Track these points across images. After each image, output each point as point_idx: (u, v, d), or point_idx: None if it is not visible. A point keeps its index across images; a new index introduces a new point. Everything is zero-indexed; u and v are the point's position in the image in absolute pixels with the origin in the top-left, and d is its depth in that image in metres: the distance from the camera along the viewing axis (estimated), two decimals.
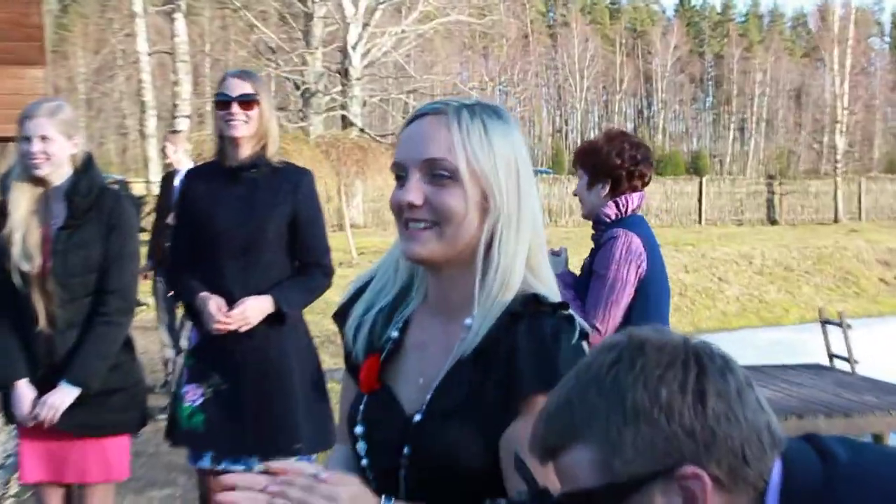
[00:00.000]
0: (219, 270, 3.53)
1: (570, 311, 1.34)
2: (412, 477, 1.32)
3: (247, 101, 3.46)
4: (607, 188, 3.19)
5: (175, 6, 22.46)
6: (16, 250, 3.29)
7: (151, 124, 23.34)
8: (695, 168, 47.98)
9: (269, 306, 3.44)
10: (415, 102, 29.28)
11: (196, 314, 3.52)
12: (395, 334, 1.42)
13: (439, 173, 1.30)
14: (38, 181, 3.30)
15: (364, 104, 28.13)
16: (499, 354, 1.32)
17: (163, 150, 7.42)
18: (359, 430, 1.42)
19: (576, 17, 64.63)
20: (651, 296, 3.13)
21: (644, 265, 3.09)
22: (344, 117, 25.92)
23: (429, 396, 1.34)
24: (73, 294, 3.39)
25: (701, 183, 29.68)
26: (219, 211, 3.56)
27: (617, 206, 3.18)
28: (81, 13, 40.17)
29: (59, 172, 3.33)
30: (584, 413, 1.00)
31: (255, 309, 3.41)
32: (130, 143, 43.54)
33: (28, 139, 3.26)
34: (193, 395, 3.61)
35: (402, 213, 1.34)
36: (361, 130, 24.35)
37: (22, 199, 3.34)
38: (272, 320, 3.48)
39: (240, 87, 3.50)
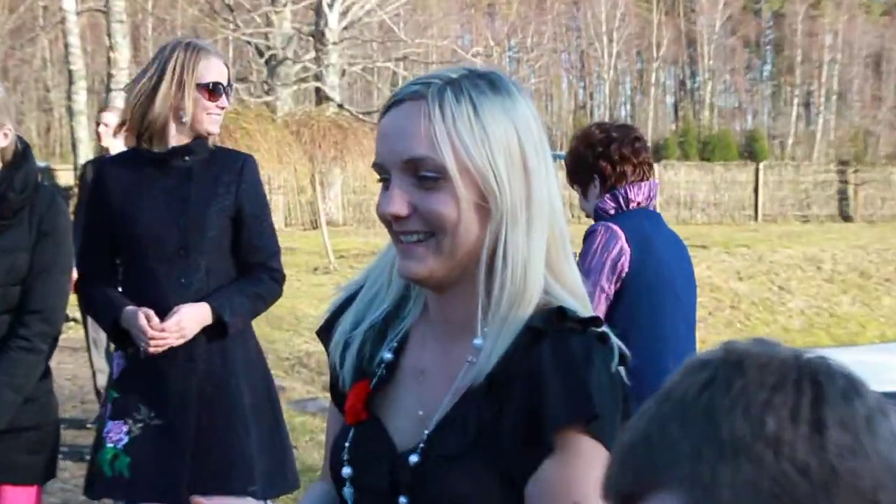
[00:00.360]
0: (147, 279, 3.61)
1: (604, 328, 1.34)
2: None
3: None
4: (597, 186, 3.46)
5: None
6: None
7: (81, 99, 23.41)
8: (749, 152, 48.03)
9: (208, 315, 3.51)
10: (405, 73, 29.72)
11: (120, 334, 3.59)
12: (388, 356, 1.44)
13: (424, 174, 1.31)
14: None
15: (343, 74, 28.45)
16: (517, 381, 1.32)
17: (96, 131, 7.52)
18: (346, 471, 1.42)
19: None
20: (640, 297, 3.33)
21: (626, 261, 3.30)
22: (318, 90, 26.22)
23: (427, 433, 1.35)
24: None
25: (757, 170, 29.86)
26: (145, 208, 3.62)
27: (616, 199, 3.42)
28: None
29: None
30: (668, 450, 0.95)
31: (191, 318, 3.48)
32: (55, 121, 44.71)
33: None
34: (117, 434, 3.64)
35: (391, 224, 1.34)
36: (340, 106, 24.58)
37: None
38: (213, 334, 3.57)
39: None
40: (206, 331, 3.58)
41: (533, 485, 1.29)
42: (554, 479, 1.26)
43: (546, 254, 1.35)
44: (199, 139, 3.64)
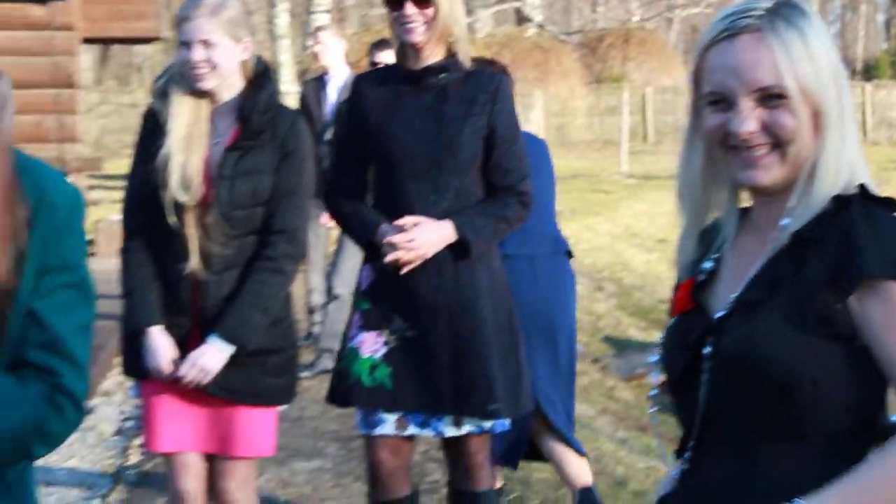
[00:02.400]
0: (399, 195, 3.69)
1: None
2: (715, 381, 1.57)
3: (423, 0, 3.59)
4: None
5: None
6: (174, 177, 3.47)
7: (283, 22, 23.98)
8: None
9: (451, 234, 3.58)
10: None
11: (370, 247, 3.68)
12: (709, 265, 1.74)
13: (770, 97, 1.57)
14: (202, 95, 3.49)
15: None
16: (826, 237, 1.56)
17: (312, 50, 7.89)
18: (662, 340, 1.78)
19: None
20: None
21: None
22: (518, 11, 26.56)
23: (734, 295, 1.62)
24: (236, 230, 3.55)
25: None
26: (399, 123, 3.71)
27: None
28: None
29: (226, 84, 3.50)
30: None
31: (430, 233, 3.57)
32: (257, 44, 47.17)
33: (187, 45, 3.41)
34: (374, 345, 3.77)
35: (728, 140, 1.61)
36: (541, 27, 24.80)
37: (182, 116, 3.51)
38: (458, 253, 3.65)
39: None
40: (451, 248, 3.65)
41: (870, 333, 1.52)
42: (878, 316, 1.51)
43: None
44: (453, 57, 3.68)
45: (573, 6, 36.60)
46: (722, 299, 1.70)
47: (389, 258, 3.65)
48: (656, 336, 12.41)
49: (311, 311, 8.26)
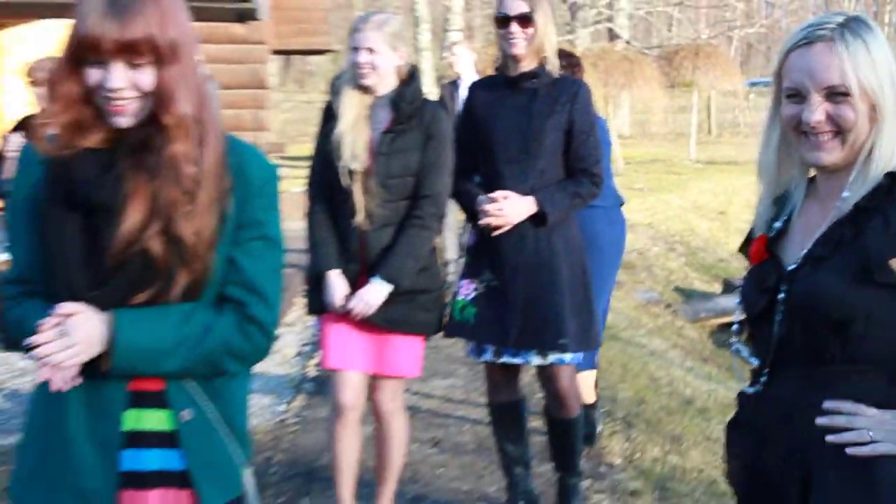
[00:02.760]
0: (497, 175, 3.63)
1: None
2: (787, 320, 1.57)
3: (524, 20, 3.52)
4: None
5: None
6: (346, 151, 3.45)
7: (425, 38, 24.41)
8: None
9: (533, 206, 3.52)
10: (679, 15, 28.82)
11: (473, 214, 3.65)
12: (778, 224, 1.72)
13: (836, 94, 1.56)
14: (365, 89, 3.45)
15: (630, 17, 27.63)
16: (883, 205, 1.57)
17: (448, 61, 7.83)
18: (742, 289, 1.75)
19: None
20: None
21: None
22: (610, 30, 25.68)
23: (804, 252, 1.62)
24: (392, 195, 3.50)
25: None
26: (499, 118, 3.66)
27: None
28: None
29: (384, 82, 3.45)
30: None
31: (516, 205, 3.51)
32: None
33: (356, 50, 3.41)
34: (466, 290, 3.73)
35: (800, 127, 1.61)
36: (627, 43, 23.92)
37: (350, 105, 3.49)
38: (538, 222, 3.58)
39: (517, 7, 3.56)
40: (533, 218, 3.60)
41: None
42: None
43: None
44: (542, 66, 3.61)
45: (653, 26, 35.44)
46: (792, 254, 1.67)
47: (482, 222, 3.61)
48: (716, 287, 12.16)
49: (445, 264, 8.16)
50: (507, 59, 3.65)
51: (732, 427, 1.80)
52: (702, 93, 22.10)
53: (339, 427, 3.68)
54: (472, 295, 3.75)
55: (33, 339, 1.66)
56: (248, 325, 1.85)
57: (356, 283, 3.51)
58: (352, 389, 3.64)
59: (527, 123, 3.65)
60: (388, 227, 3.50)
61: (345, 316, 3.55)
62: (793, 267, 1.63)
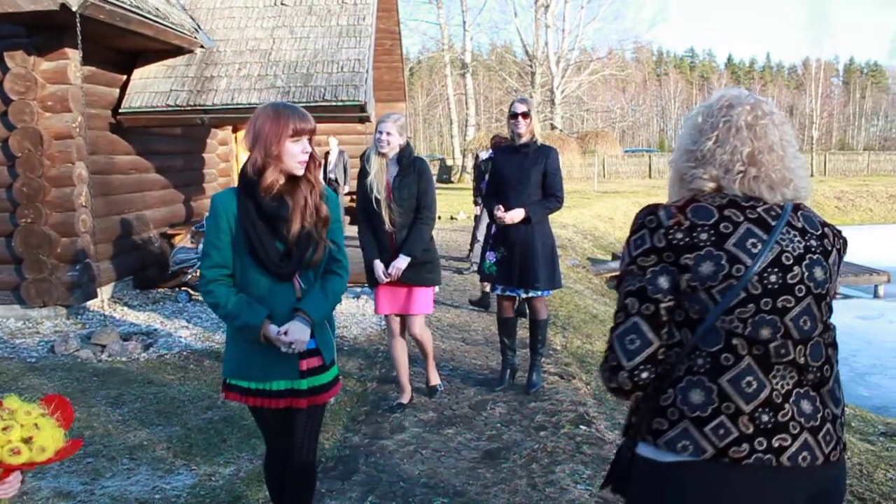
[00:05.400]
0: (506, 197, 4.84)
1: None
2: None
3: (525, 115, 4.76)
4: None
5: (465, 70, 38.77)
6: (375, 188, 4.37)
7: (455, 130, 40.58)
8: None
9: (523, 213, 4.73)
10: (587, 116, 46.13)
11: (492, 217, 4.87)
12: None
13: None
14: (383, 155, 4.39)
15: (561, 117, 39.50)
16: None
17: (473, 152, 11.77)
18: None
19: None
20: None
21: None
22: (552, 124, 34.94)
23: None
24: (404, 210, 4.38)
25: None
26: (508, 166, 4.83)
27: None
28: (419, 75, 66.44)
29: (393, 150, 4.37)
30: None
31: (514, 212, 4.73)
32: (445, 139, 63.46)
33: (380, 132, 4.34)
34: (491, 258, 4.97)
35: None
36: (560, 130, 34.63)
37: (375, 164, 4.42)
38: (526, 221, 4.75)
39: (522, 108, 4.76)
40: (524, 220, 4.77)
41: None
42: None
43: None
44: (533, 140, 4.77)
45: (573, 122, 50.56)
46: None
47: (498, 220, 4.68)
48: (608, 256, 16.00)
49: (471, 248, 10.33)
50: (514, 136, 4.78)
51: None
52: (599, 156, 34.24)
53: (392, 343, 4.88)
54: (493, 259, 4.95)
55: (287, 338, 2.59)
56: (342, 271, 2.67)
57: (389, 264, 4.50)
58: (396, 324, 4.76)
59: (523, 170, 4.70)
60: (404, 228, 4.40)
61: (385, 285, 4.55)
62: None
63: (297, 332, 2.58)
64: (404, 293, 4.56)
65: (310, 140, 2.58)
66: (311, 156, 2.61)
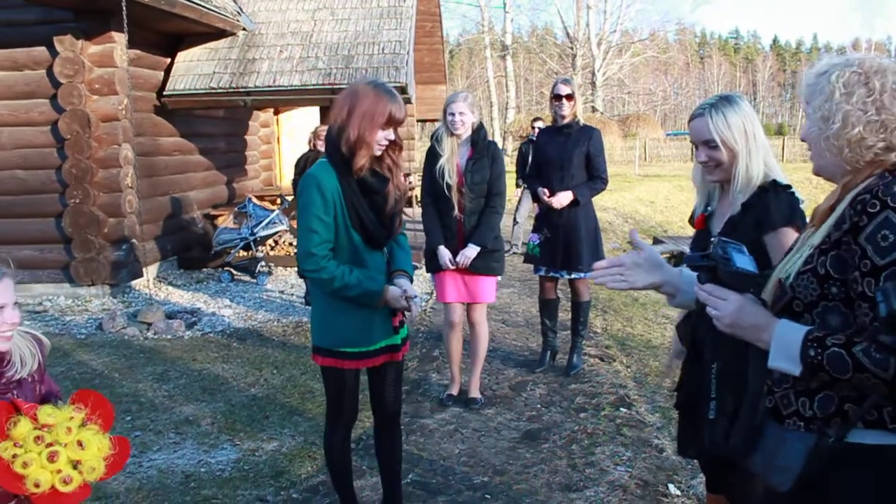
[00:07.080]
0: (549, 179, 4.97)
1: (793, 189, 2.20)
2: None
3: (568, 97, 4.89)
4: None
5: (505, 53, 38.59)
6: (447, 172, 4.35)
7: (495, 113, 40.15)
8: None
9: (570, 196, 4.89)
10: (628, 98, 44.67)
11: (536, 198, 5.03)
12: (710, 209, 2.39)
13: (709, 145, 2.23)
14: (454, 135, 4.38)
15: (602, 100, 39.88)
16: (757, 206, 2.15)
17: (531, 124, 10.68)
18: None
19: None
20: None
21: None
22: (593, 107, 34.94)
23: (718, 230, 2.26)
24: (475, 195, 4.36)
25: None
26: (551, 147, 4.94)
27: None
28: (458, 58, 64.99)
29: (466, 131, 4.36)
30: None
31: (561, 195, 4.88)
32: (485, 122, 64.18)
33: (452, 113, 4.29)
34: (535, 240, 5.16)
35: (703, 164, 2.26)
36: (602, 113, 34.57)
37: (447, 146, 4.39)
38: (573, 204, 4.91)
39: (565, 90, 4.88)
40: (572, 203, 4.89)
41: (768, 243, 2.14)
42: (776, 245, 2.11)
43: (764, 159, 2.24)
44: (576, 119, 4.91)
45: (615, 105, 50.62)
46: (716, 226, 2.26)
47: (544, 203, 4.86)
48: (649, 240, 15.85)
49: (513, 228, 10.62)
50: (557, 117, 4.91)
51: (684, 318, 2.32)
52: (640, 139, 33.72)
53: (449, 333, 4.75)
54: (537, 241, 5.11)
55: (411, 293, 2.82)
56: (406, 235, 2.96)
57: (455, 252, 4.44)
58: (456, 313, 4.62)
59: (565, 150, 4.82)
60: (474, 214, 4.35)
61: (450, 272, 4.48)
62: (717, 233, 2.20)
63: (410, 289, 2.83)
64: (469, 281, 4.52)
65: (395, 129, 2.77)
66: (395, 142, 2.82)
